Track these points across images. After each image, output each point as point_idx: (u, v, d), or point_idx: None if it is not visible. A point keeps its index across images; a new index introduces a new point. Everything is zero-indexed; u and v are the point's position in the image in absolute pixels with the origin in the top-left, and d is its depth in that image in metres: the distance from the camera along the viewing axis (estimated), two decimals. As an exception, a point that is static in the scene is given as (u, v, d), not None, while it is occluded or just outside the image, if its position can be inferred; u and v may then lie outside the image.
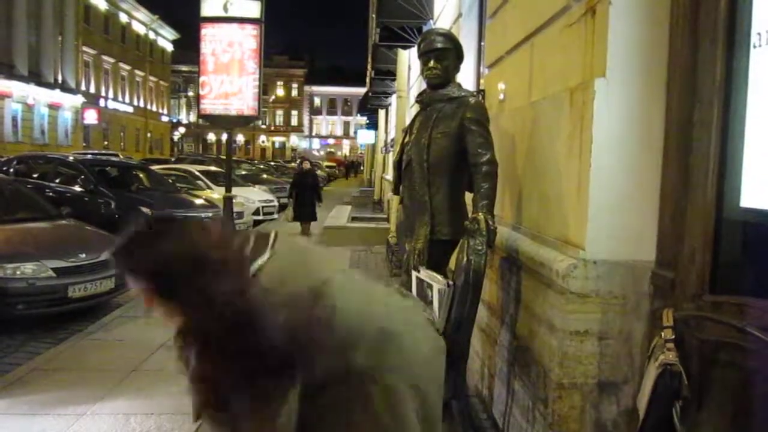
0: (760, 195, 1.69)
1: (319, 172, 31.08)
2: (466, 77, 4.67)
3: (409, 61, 9.96)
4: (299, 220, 10.77)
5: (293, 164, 37.84)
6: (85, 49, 34.43)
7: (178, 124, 59.64)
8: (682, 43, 1.96)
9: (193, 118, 59.45)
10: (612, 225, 2.13)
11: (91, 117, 34.34)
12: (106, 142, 36.95)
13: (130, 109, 41.94)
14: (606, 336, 2.14)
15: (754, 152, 1.71)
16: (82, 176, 8.85)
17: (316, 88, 68.88)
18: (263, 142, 68.49)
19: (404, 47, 9.21)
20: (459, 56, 3.10)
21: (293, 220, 10.73)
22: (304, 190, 10.82)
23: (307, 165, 11.33)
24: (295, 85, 68.06)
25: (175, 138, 57.69)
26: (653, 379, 1.76)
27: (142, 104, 44.29)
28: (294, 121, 69.51)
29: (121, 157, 17.61)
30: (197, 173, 13.14)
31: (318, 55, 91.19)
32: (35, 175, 9.35)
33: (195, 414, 1.31)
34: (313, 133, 70.94)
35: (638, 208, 2.12)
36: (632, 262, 2.11)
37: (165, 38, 48.29)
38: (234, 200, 8.38)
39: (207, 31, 8.05)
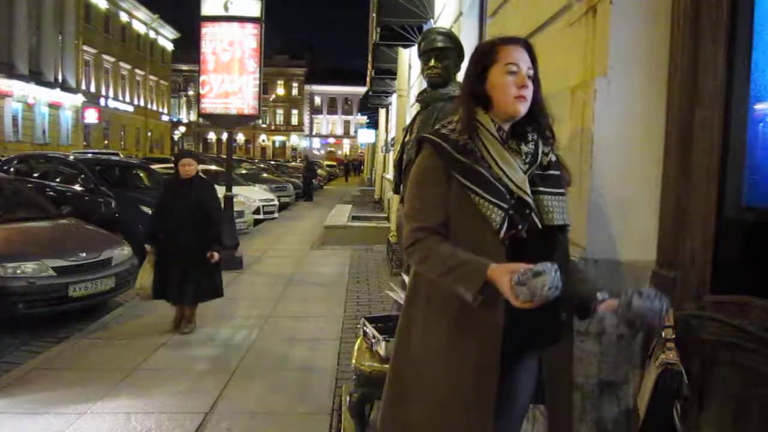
0: (761, 194, 1.69)
1: (320, 171, 31.08)
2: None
3: (409, 60, 9.95)
4: (161, 295, 4.92)
5: (293, 163, 37.64)
6: (85, 48, 34.42)
7: (179, 123, 59.65)
8: (682, 42, 1.96)
9: (193, 117, 59.47)
10: (612, 224, 2.13)
11: (91, 116, 34.34)
12: (106, 142, 36.95)
13: (131, 109, 41.93)
14: (606, 335, 2.13)
15: (755, 151, 1.71)
16: (83, 175, 8.85)
17: (316, 87, 68.87)
18: (263, 141, 68.49)
19: (405, 46, 9.21)
20: (460, 55, 3.09)
21: (153, 294, 4.92)
22: (180, 228, 4.81)
23: (189, 170, 4.94)
24: (295, 84, 68.05)
25: (176, 137, 57.68)
26: (654, 379, 1.76)
27: (142, 103, 44.28)
28: (294, 121, 69.51)
29: (122, 156, 17.60)
30: (197, 172, 13.11)
31: (318, 54, 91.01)
32: (36, 175, 9.34)
33: None
34: (314, 133, 70.93)
35: (639, 207, 2.12)
36: (633, 261, 2.11)
37: (165, 37, 48.28)
38: (234, 199, 8.38)
39: (207, 30, 8.07)
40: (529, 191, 1.58)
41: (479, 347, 1.56)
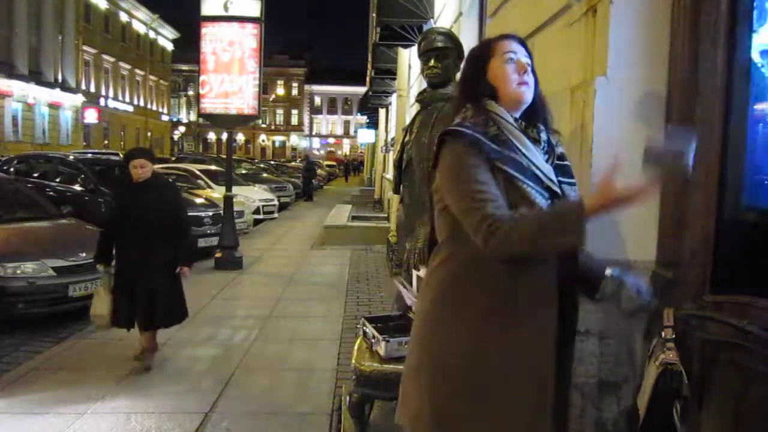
0: (761, 194, 1.69)
1: (320, 171, 31.12)
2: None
3: (409, 60, 9.95)
4: (125, 321, 4.13)
5: (293, 163, 37.57)
6: (85, 48, 34.42)
7: (178, 123, 59.66)
8: (683, 41, 1.96)
9: (193, 117, 59.47)
10: (612, 224, 2.13)
11: (91, 116, 34.35)
12: (106, 142, 36.95)
13: (131, 109, 41.93)
14: (607, 335, 2.13)
15: (755, 151, 1.71)
16: (83, 175, 8.86)
17: (316, 87, 68.87)
18: (263, 141, 68.48)
19: (404, 46, 9.20)
20: (459, 55, 3.09)
21: (112, 322, 4.11)
22: (141, 241, 4.00)
23: (143, 172, 4.07)
24: (295, 84, 68.04)
25: (176, 137, 57.71)
26: (654, 379, 1.76)
27: (142, 103, 44.27)
28: (294, 120, 69.50)
29: (122, 156, 17.59)
30: (197, 172, 13.12)
31: (318, 54, 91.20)
32: (36, 175, 9.35)
33: None
34: (314, 132, 70.93)
35: (638, 207, 2.11)
36: (633, 261, 2.11)
37: (165, 37, 48.27)
38: (234, 199, 8.38)
39: (207, 30, 8.07)
40: (556, 181, 1.57)
41: (534, 339, 1.50)
